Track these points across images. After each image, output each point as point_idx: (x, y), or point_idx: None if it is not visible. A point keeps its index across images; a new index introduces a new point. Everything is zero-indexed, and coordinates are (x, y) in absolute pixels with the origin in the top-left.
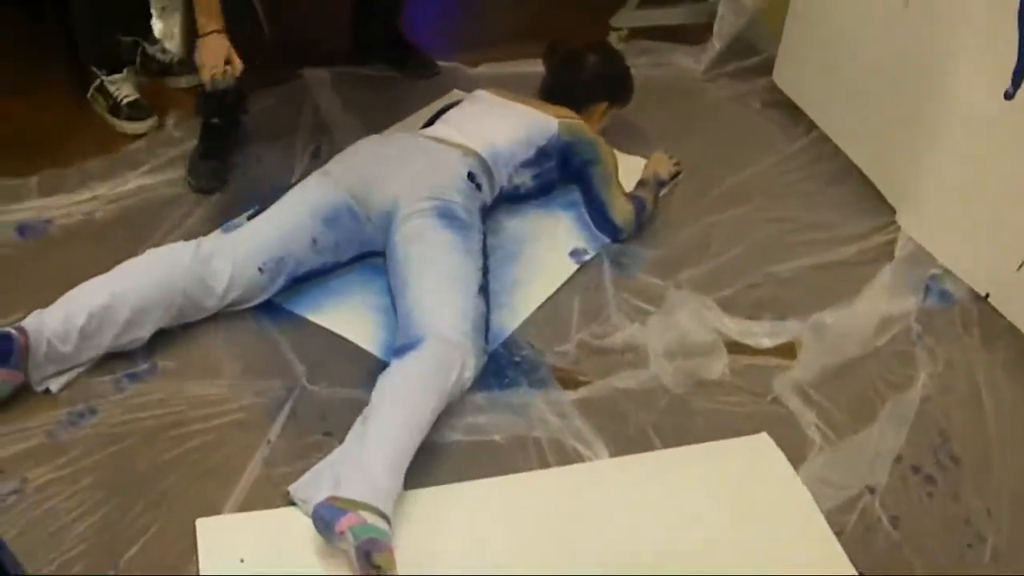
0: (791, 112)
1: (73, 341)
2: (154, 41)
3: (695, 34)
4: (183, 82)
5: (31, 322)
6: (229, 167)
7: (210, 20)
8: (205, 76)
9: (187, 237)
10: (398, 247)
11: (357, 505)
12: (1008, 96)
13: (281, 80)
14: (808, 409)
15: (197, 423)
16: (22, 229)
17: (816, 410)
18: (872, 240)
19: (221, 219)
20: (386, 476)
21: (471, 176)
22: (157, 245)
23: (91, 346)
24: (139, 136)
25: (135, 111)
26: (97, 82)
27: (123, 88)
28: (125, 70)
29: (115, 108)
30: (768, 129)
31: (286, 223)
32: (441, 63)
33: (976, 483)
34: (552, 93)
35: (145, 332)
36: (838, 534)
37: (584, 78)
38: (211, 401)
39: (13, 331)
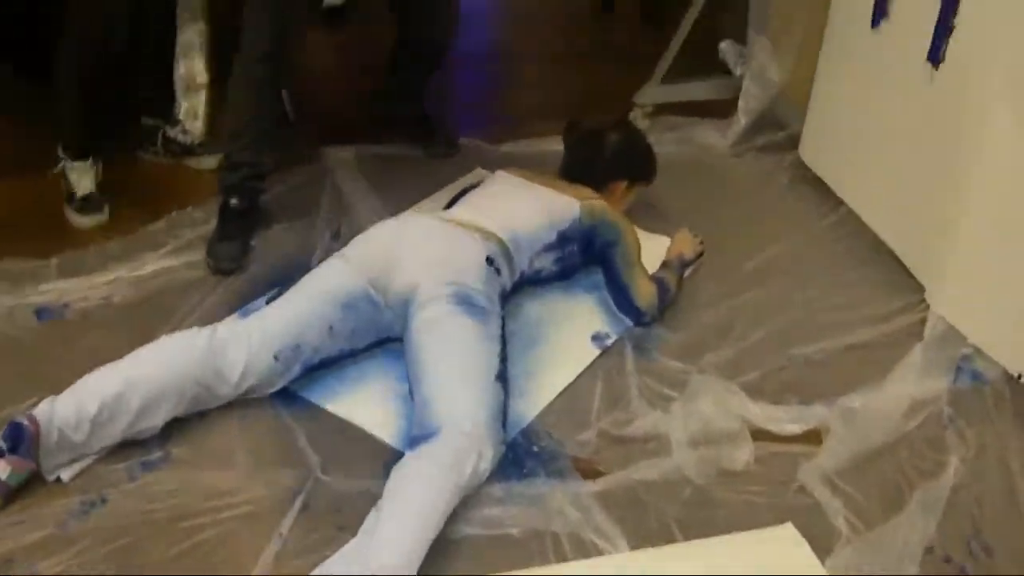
0: (818, 188)
1: (85, 430)
2: (175, 123)
3: (721, 108)
4: (204, 163)
5: (42, 410)
6: (248, 248)
7: None
8: None
9: (205, 320)
10: (415, 334)
11: None
12: None
13: (303, 159)
14: (835, 498)
15: (208, 515)
16: (40, 312)
17: (843, 499)
18: (901, 319)
19: (240, 302)
20: (397, 573)
21: (490, 261)
22: (176, 329)
23: (103, 435)
24: (89, 230)
25: (86, 205)
26: (60, 166)
27: (83, 178)
28: (90, 159)
29: (70, 198)
30: (795, 206)
31: (302, 310)
32: (464, 141)
33: (1010, 574)
34: (572, 172)
35: (158, 421)
36: None
37: (605, 156)
38: (223, 492)
39: (24, 420)
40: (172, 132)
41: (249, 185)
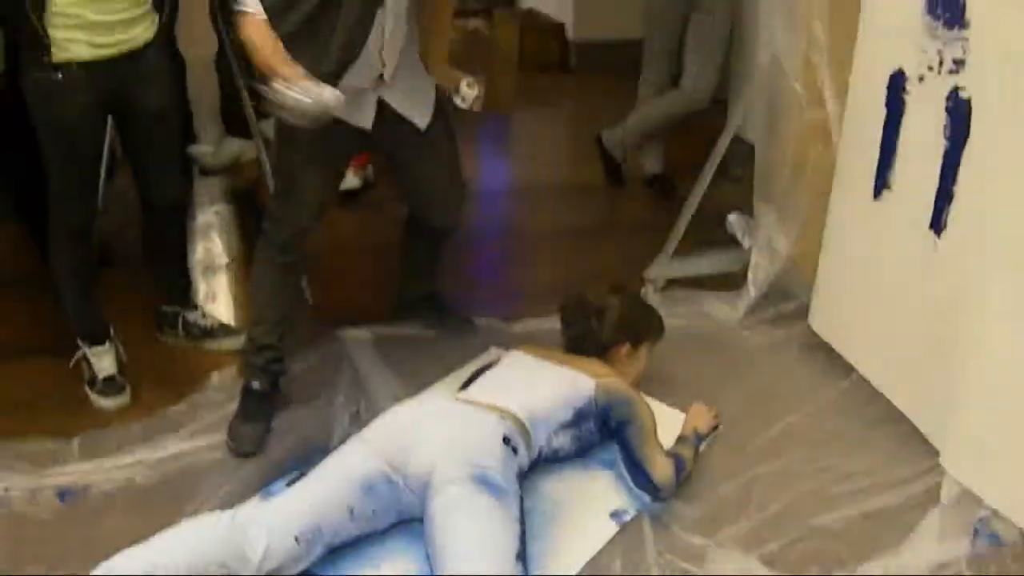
0: (829, 357)
1: None
2: (192, 307)
3: (731, 280)
4: (225, 345)
5: None
6: (269, 430)
7: None
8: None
9: (227, 503)
10: (434, 516)
11: None
12: None
13: (321, 341)
14: None
15: None
16: (62, 494)
17: None
18: (917, 484)
19: (260, 484)
20: None
21: (507, 440)
22: (197, 511)
23: None
24: (114, 410)
25: (108, 387)
26: (80, 353)
27: (103, 361)
28: (107, 342)
29: (92, 381)
30: (807, 375)
31: (323, 493)
32: (477, 320)
33: None
34: (575, 345)
35: None
36: None
37: (601, 323)
38: None
39: None
40: (191, 316)
41: (272, 368)
